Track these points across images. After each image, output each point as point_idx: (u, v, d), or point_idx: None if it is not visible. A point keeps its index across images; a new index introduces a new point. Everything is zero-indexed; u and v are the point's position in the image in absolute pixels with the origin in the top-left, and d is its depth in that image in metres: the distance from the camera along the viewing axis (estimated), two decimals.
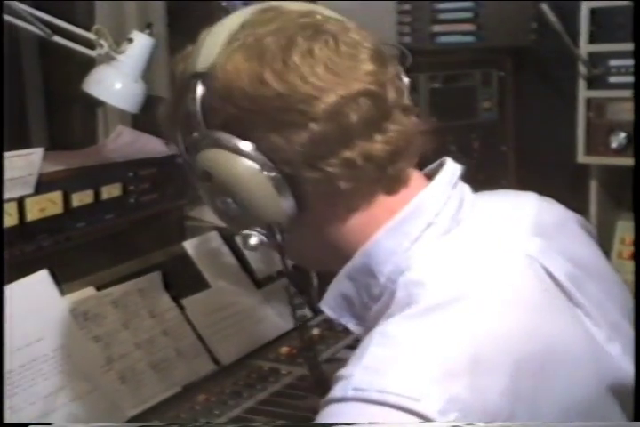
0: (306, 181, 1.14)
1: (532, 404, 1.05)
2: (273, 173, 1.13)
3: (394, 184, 1.19)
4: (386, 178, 1.17)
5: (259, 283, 2.30)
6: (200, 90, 1.14)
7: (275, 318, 2.26)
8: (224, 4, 2.00)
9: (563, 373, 1.09)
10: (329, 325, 2.32)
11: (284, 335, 2.24)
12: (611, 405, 1.16)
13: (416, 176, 1.22)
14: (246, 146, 1.13)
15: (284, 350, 2.17)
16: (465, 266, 1.14)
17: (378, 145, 1.14)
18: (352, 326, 1.25)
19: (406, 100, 1.21)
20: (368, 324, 1.19)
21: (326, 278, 2.41)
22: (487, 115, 2.71)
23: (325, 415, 1.04)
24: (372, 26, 2.54)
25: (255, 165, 1.13)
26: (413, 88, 2.61)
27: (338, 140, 1.12)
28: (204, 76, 1.15)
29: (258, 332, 2.20)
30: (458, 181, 1.24)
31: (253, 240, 1.18)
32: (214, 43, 1.16)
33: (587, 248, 1.31)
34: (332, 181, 1.14)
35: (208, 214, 2.37)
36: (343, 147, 1.13)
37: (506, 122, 2.73)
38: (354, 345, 2.14)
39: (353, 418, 1.01)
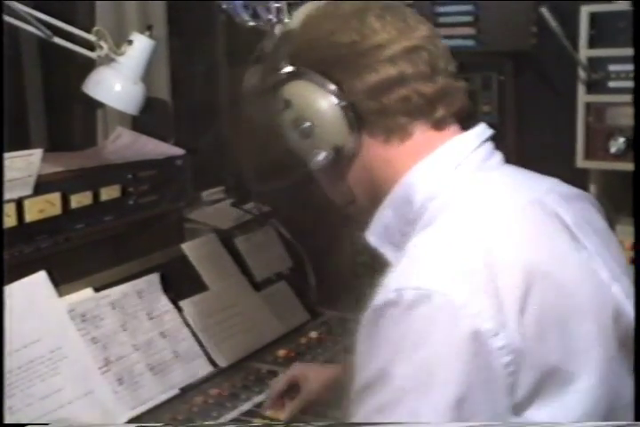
0: (368, 112, 1.34)
1: (539, 310, 1.19)
2: (343, 102, 1.34)
3: (440, 123, 1.37)
4: (434, 117, 1.36)
5: (257, 285, 2.31)
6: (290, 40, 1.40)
7: (273, 321, 2.27)
8: (224, 6, 2.00)
9: (567, 290, 1.24)
10: (327, 328, 2.32)
11: (281, 338, 2.25)
12: (612, 334, 1.28)
13: (456, 126, 1.41)
14: (322, 79, 1.35)
15: (282, 352, 2.17)
16: (485, 194, 1.33)
17: (428, 87, 1.35)
18: (390, 254, 1.38)
19: (453, 69, 1.41)
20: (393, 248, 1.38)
21: (325, 280, 2.43)
22: (487, 118, 2.71)
23: (370, 321, 1.21)
24: None
25: (328, 94, 1.34)
26: None
27: (397, 80, 1.33)
28: (294, 31, 1.39)
29: (256, 334, 2.20)
30: (488, 141, 1.42)
31: (321, 156, 1.36)
32: (303, 11, 1.41)
33: (595, 216, 1.45)
34: (390, 113, 1.34)
35: (207, 217, 2.37)
36: (400, 86, 1.33)
37: (505, 126, 2.73)
38: (353, 348, 2.16)
39: (397, 318, 1.17)
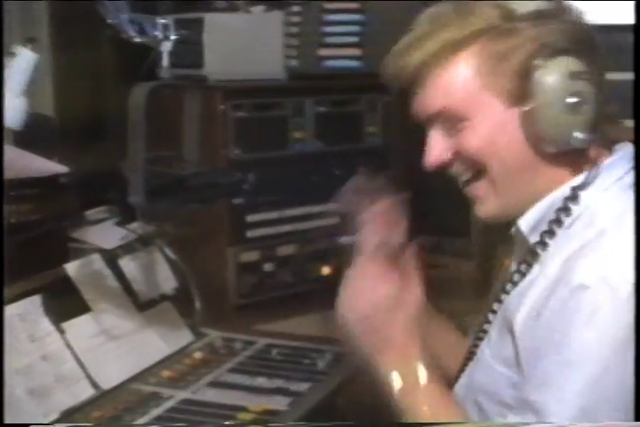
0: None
1: None
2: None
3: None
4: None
5: (141, 306, 2.27)
6: None
7: (157, 342, 2.24)
8: (110, 20, 1.97)
9: None
10: (212, 348, 2.31)
11: (165, 359, 2.23)
12: None
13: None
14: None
15: (166, 373, 2.15)
16: None
17: None
18: (533, 239, 1.47)
19: None
20: (552, 237, 1.44)
21: (209, 300, 2.41)
22: (372, 140, 2.74)
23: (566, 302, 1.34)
24: (259, 48, 2.55)
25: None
26: (299, 112, 2.62)
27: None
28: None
29: (139, 355, 2.17)
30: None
31: (582, 136, 1.40)
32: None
33: None
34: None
35: (91, 236, 2.33)
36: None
37: (391, 147, 2.76)
38: (237, 368, 2.16)
39: (589, 302, 1.32)
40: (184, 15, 2.35)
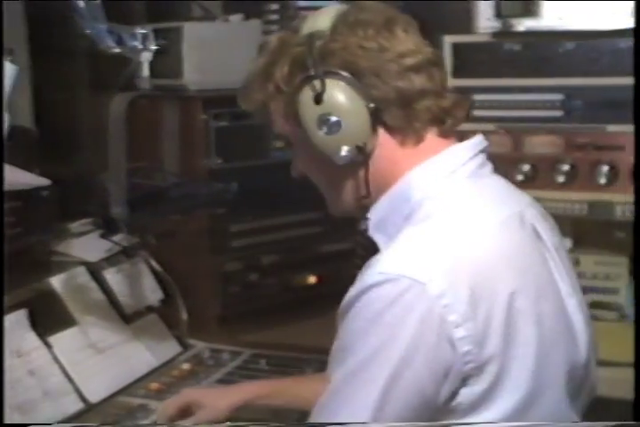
0: (394, 116, 1.45)
1: (507, 312, 1.34)
2: (373, 105, 1.43)
3: (447, 132, 1.50)
4: (443, 127, 1.49)
5: (127, 318, 2.27)
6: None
7: (144, 354, 2.24)
8: (87, 31, 1.96)
9: (531, 298, 1.38)
10: (199, 360, 2.30)
11: (153, 371, 2.22)
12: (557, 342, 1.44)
13: (454, 137, 1.54)
14: (356, 81, 1.43)
15: (154, 385, 2.14)
16: (475, 201, 1.46)
17: (446, 100, 1.49)
18: (382, 243, 1.48)
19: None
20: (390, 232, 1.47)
21: (195, 311, 2.40)
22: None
23: (353, 299, 1.34)
24: (238, 57, 2.54)
25: (360, 96, 1.43)
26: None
27: (424, 91, 1.45)
28: (324, 34, 1.46)
29: (127, 368, 2.16)
30: (483, 151, 1.53)
31: (344, 151, 1.44)
32: (328, 15, 1.48)
33: (557, 233, 1.60)
34: (412, 120, 1.46)
35: (75, 249, 2.32)
36: (425, 97, 1.46)
37: None
38: (225, 379, 2.15)
39: (376, 299, 1.32)
40: (162, 24, 2.34)
